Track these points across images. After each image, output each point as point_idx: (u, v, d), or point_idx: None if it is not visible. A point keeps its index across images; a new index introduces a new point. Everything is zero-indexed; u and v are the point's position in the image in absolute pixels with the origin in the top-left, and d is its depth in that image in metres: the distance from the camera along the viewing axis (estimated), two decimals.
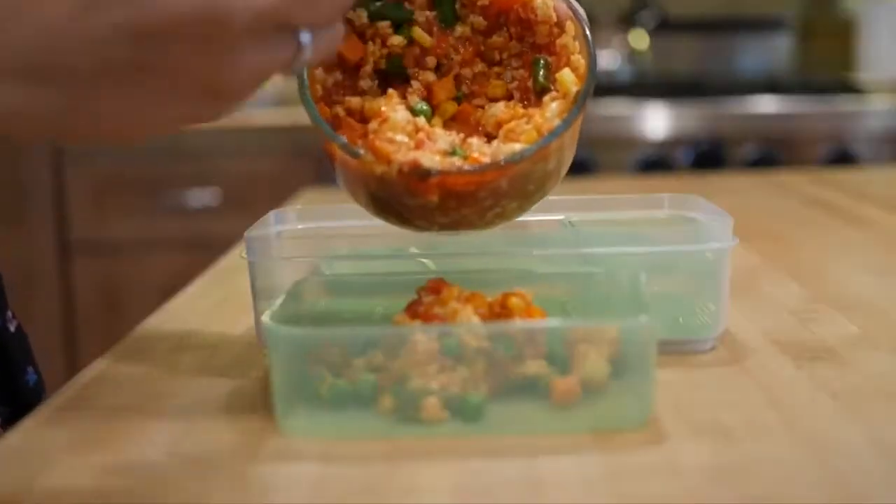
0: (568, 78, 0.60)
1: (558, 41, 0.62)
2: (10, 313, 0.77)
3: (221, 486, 0.47)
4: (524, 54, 0.63)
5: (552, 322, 0.57)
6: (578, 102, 0.59)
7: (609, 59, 2.54)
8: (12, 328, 0.77)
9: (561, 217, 0.71)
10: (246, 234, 0.66)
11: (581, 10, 0.63)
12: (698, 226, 0.70)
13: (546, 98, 0.61)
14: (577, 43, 0.62)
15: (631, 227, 0.74)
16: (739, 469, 0.47)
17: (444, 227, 0.61)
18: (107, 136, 0.48)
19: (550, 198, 0.65)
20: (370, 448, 0.51)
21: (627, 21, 2.56)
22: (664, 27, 2.56)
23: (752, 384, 0.59)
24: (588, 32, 0.62)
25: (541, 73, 0.62)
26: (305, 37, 0.47)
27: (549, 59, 0.62)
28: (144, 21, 0.43)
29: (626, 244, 0.64)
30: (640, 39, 2.57)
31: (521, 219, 0.65)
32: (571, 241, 0.65)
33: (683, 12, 2.58)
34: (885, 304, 0.76)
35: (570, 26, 0.62)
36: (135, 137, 0.48)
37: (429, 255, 0.64)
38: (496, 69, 0.64)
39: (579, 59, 0.61)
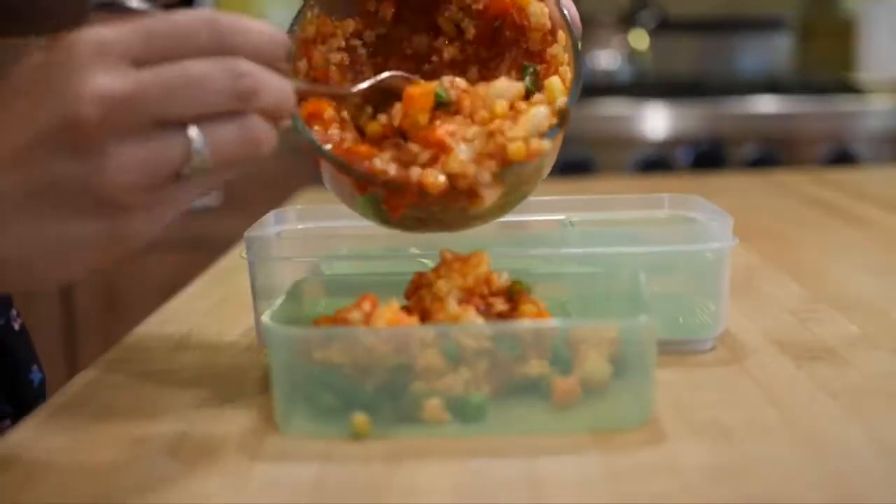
0: (556, 87, 0.60)
1: (549, 50, 0.62)
2: (14, 312, 0.77)
3: (221, 486, 0.47)
4: (515, 59, 0.63)
5: (552, 322, 0.57)
6: (562, 121, 0.58)
7: (609, 59, 2.54)
8: (17, 326, 0.77)
9: (561, 217, 0.71)
10: (246, 234, 0.66)
11: (576, 18, 0.63)
12: (698, 226, 0.70)
13: (534, 98, 0.60)
14: (566, 54, 0.62)
15: (631, 226, 0.74)
16: (739, 469, 0.47)
17: (426, 229, 0.61)
18: (35, 282, 0.47)
19: (550, 198, 0.65)
20: (370, 448, 0.51)
21: (627, 21, 2.56)
22: (664, 27, 2.56)
23: (752, 384, 0.59)
24: (578, 44, 0.61)
25: (527, 79, 0.62)
26: (193, 132, 0.44)
27: (539, 67, 0.62)
28: (12, 144, 0.43)
29: (626, 244, 0.64)
30: (640, 39, 2.57)
31: (521, 218, 0.65)
32: (571, 241, 0.65)
33: (683, 12, 2.58)
34: (885, 304, 0.76)
35: (561, 36, 0.62)
36: (65, 275, 0.45)
37: (428, 255, 0.64)
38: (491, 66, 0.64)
39: (567, 71, 0.61)
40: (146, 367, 0.65)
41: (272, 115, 0.46)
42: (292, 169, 2.04)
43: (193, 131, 0.44)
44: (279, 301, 0.57)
